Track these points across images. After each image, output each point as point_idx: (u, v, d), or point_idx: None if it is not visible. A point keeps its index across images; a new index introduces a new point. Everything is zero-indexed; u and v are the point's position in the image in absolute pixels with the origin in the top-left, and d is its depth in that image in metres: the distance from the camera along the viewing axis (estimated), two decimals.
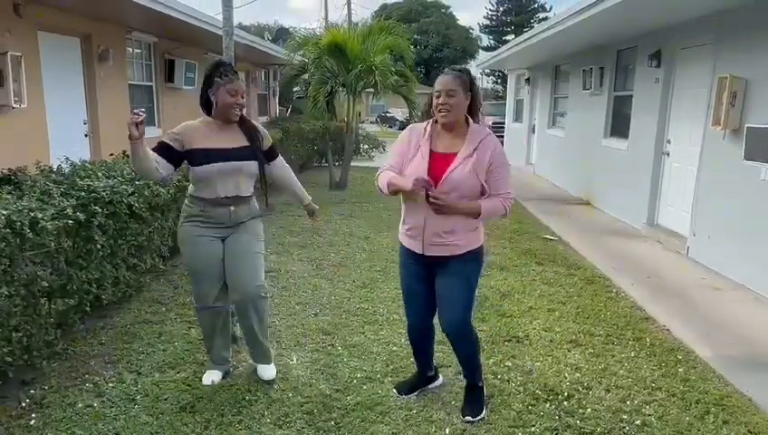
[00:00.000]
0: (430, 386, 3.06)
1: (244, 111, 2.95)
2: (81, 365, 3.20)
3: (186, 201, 2.97)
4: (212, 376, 3.07)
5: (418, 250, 2.67)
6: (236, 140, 2.91)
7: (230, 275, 2.95)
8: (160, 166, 2.73)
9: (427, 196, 2.44)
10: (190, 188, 2.95)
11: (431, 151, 2.60)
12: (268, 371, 3.12)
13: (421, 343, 2.95)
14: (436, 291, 2.71)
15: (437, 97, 2.56)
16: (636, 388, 3.15)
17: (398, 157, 2.66)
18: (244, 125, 2.96)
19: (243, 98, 2.88)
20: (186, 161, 2.85)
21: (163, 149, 2.76)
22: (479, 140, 2.58)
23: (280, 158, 3.19)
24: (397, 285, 4.57)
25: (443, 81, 2.56)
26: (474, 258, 2.68)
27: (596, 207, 8.69)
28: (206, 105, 2.89)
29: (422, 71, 41.53)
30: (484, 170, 2.55)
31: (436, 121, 2.64)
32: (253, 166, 2.92)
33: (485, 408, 2.83)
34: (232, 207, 2.89)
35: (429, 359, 3.02)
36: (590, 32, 7.60)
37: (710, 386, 3.19)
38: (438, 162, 2.57)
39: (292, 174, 3.27)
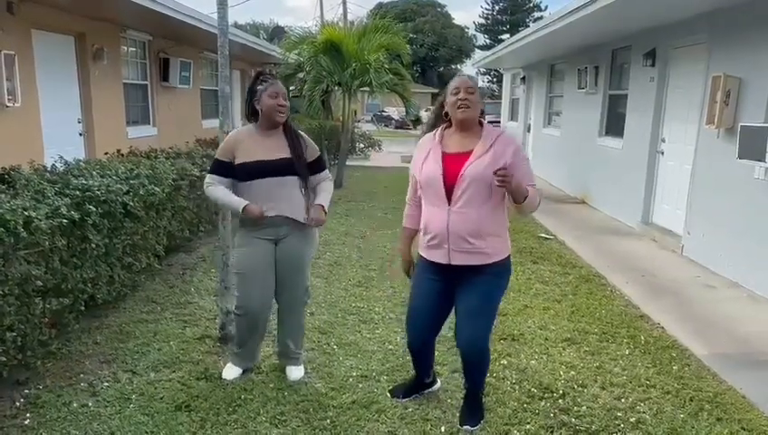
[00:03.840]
0: (426, 391, 3.02)
1: (282, 118, 2.93)
2: (76, 365, 3.20)
3: None
4: (233, 372, 3.10)
5: (443, 260, 2.59)
6: (279, 150, 2.90)
7: (278, 280, 3.03)
8: (228, 184, 2.95)
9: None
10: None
11: (443, 153, 2.61)
12: (294, 372, 3.13)
13: (421, 355, 2.90)
14: (457, 305, 2.64)
15: (456, 94, 2.57)
16: (630, 386, 3.16)
17: (414, 178, 2.74)
18: (289, 134, 2.95)
19: (285, 100, 2.88)
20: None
21: (221, 168, 2.93)
22: (494, 137, 2.60)
23: (326, 172, 3.11)
24: (393, 284, 4.59)
25: (462, 79, 2.62)
26: (501, 272, 2.69)
27: (591, 205, 8.72)
28: (253, 114, 2.94)
29: (418, 70, 41.58)
30: (501, 165, 2.46)
31: (447, 127, 2.67)
32: (292, 180, 2.91)
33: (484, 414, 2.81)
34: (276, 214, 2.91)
35: (429, 368, 2.98)
36: (585, 31, 7.61)
37: (704, 383, 3.21)
38: (452, 162, 2.57)
39: (330, 189, 3.11)
